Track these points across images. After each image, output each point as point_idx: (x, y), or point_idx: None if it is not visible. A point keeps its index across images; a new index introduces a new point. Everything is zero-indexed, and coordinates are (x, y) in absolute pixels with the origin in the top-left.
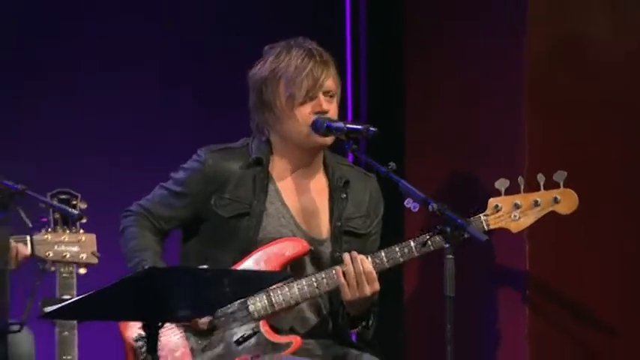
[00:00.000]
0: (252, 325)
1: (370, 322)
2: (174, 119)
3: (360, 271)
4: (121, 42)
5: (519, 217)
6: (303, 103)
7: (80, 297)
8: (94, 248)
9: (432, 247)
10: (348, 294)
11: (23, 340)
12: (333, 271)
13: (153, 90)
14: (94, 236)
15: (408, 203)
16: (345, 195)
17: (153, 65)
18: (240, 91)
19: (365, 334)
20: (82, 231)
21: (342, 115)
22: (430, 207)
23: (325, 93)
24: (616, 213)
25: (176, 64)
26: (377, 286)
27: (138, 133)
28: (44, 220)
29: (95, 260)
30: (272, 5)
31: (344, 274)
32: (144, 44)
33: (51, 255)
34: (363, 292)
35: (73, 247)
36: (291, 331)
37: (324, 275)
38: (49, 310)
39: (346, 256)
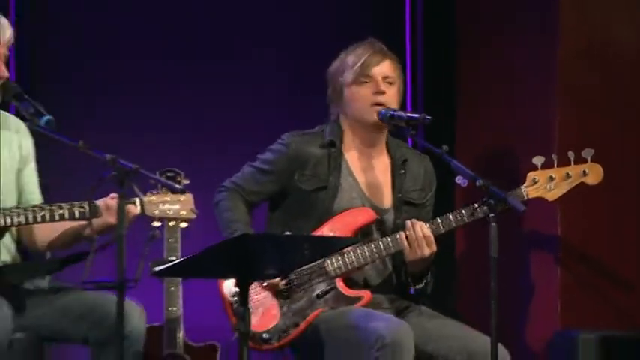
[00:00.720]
0: (330, 282)
1: (428, 278)
2: (259, 107)
3: (420, 235)
4: (222, 39)
5: (553, 188)
6: (364, 83)
7: (184, 258)
8: (192, 206)
9: (479, 216)
10: (409, 255)
11: (135, 314)
12: (398, 236)
13: (245, 84)
14: (191, 195)
15: (459, 180)
16: (404, 171)
17: (248, 63)
18: (319, 85)
19: (424, 289)
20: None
21: (403, 106)
22: (477, 183)
23: (384, 78)
24: (636, 183)
25: (271, 62)
26: (434, 248)
27: (229, 121)
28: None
29: (193, 216)
30: (347, 19)
31: (407, 238)
32: (245, 44)
33: (157, 213)
34: (422, 253)
35: (174, 205)
36: (363, 286)
37: (389, 239)
38: (158, 269)
39: (408, 222)
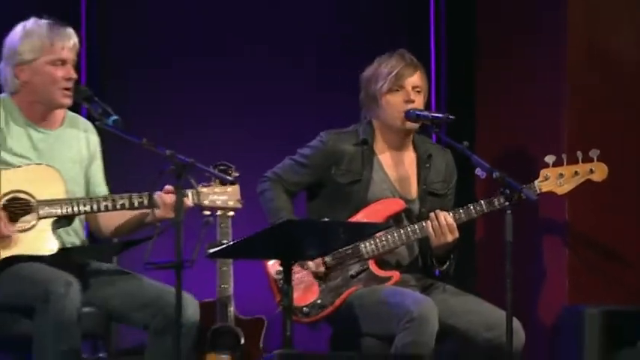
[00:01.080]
0: (363, 263)
1: (451, 261)
2: (295, 104)
3: (444, 223)
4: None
5: (563, 184)
6: (396, 92)
7: (235, 241)
8: (238, 197)
9: (497, 206)
10: (434, 241)
11: (191, 307)
12: (424, 224)
13: (280, 82)
14: (237, 187)
15: (478, 172)
16: (428, 165)
17: (308, 61)
18: (353, 87)
19: (447, 271)
20: (233, 180)
21: (428, 106)
22: (494, 175)
23: (413, 87)
24: (636, 178)
25: (309, 64)
26: (457, 234)
27: (276, 117)
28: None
29: (239, 205)
30: (380, 27)
31: (432, 226)
32: (301, 43)
33: (206, 203)
34: (446, 240)
35: (222, 196)
36: (393, 267)
37: (416, 226)
38: (212, 252)
39: (432, 213)
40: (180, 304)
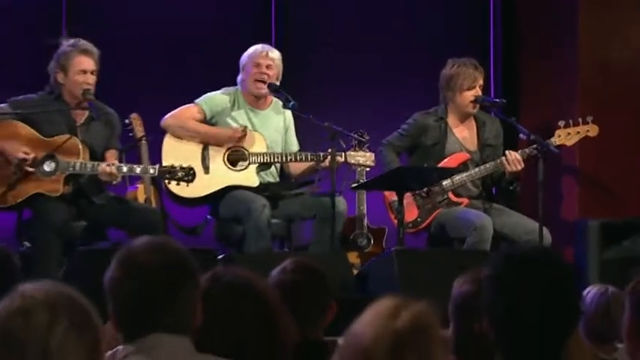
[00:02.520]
0: (445, 193)
1: (517, 182)
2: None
3: (514, 158)
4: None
5: (571, 139)
6: (470, 90)
7: (368, 180)
8: (372, 159)
9: (533, 154)
10: (509, 169)
11: (342, 204)
12: (498, 160)
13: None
14: (372, 154)
15: (521, 136)
16: (484, 128)
17: (395, 53)
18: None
19: (514, 190)
20: (366, 149)
21: (487, 92)
22: (531, 137)
23: (480, 86)
24: (623, 134)
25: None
26: (522, 165)
27: (383, 100)
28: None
29: (372, 164)
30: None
31: (507, 159)
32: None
33: (352, 162)
34: (517, 168)
35: (362, 158)
36: (463, 196)
37: (492, 163)
38: (354, 186)
39: (507, 151)
40: (334, 202)
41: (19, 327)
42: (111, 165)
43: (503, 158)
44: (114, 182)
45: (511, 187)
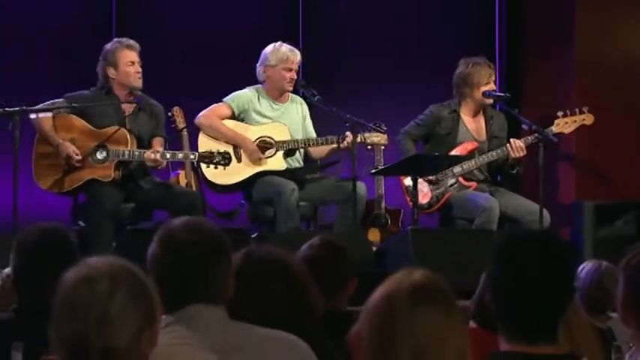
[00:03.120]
0: (455, 178)
1: (519, 167)
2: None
3: (518, 145)
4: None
5: (568, 127)
6: (485, 86)
7: (386, 166)
8: (386, 138)
9: (534, 142)
10: (512, 155)
11: (362, 189)
12: (504, 147)
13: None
14: (386, 135)
15: (523, 126)
16: (491, 122)
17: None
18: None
19: (517, 174)
20: (383, 132)
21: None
22: (532, 127)
23: (493, 81)
24: (615, 123)
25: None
26: (525, 152)
27: (410, 95)
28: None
29: (386, 143)
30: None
31: (512, 146)
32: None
33: (369, 141)
34: (519, 155)
35: (377, 138)
36: (472, 180)
37: (498, 150)
38: (373, 171)
39: (511, 139)
40: (355, 186)
41: (84, 293)
42: (155, 152)
43: (508, 145)
44: (159, 167)
45: (513, 171)
